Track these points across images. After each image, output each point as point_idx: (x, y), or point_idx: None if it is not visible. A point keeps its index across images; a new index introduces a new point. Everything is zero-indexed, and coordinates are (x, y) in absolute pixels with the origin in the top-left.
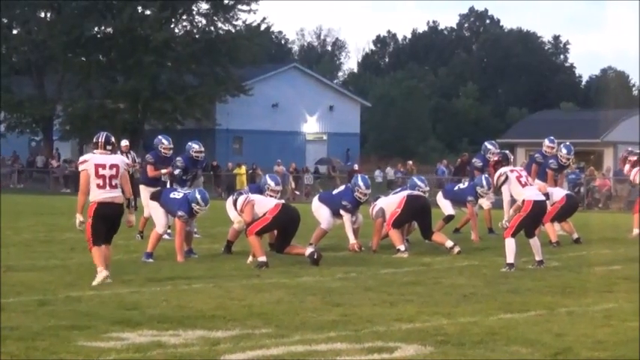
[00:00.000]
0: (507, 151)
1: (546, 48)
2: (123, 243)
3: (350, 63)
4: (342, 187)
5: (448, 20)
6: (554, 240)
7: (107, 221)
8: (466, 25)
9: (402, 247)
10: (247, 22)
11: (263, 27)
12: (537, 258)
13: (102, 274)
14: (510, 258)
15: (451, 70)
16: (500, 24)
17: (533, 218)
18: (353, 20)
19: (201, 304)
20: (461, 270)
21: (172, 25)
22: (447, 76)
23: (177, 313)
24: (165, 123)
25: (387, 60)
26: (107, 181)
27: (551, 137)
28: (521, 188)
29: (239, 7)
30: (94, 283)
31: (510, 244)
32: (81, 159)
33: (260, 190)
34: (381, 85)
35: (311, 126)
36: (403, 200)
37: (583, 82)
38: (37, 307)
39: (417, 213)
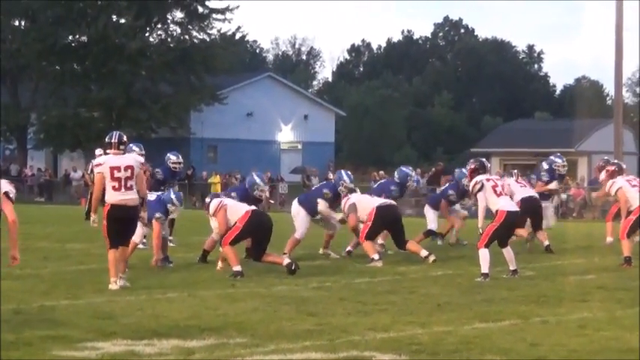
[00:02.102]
0: (484, 160)
1: (521, 57)
2: (97, 252)
3: (325, 72)
4: (323, 182)
5: (423, 29)
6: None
7: (121, 223)
8: (441, 34)
9: (375, 257)
10: (222, 31)
11: (238, 36)
12: (511, 267)
13: (112, 286)
14: (485, 268)
15: (426, 79)
16: (475, 33)
17: (506, 228)
18: (327, 29)
19: (175, 313)
20: (435, 279)
21: (147, 34)
22: (422, 85)
23: (151, 323)
24: (139, 132)
25: (361, 69)
26: (122, 182)
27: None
28: (496, 198)
29: (214, 16)
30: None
31: (484, 254)
32: (96, 162)
33: (246, 192)
34: (355, 94)
35: (285, 135)
36: (373, 212)
37: (557, 92)
38: (12, 317)
39: (388, 223)
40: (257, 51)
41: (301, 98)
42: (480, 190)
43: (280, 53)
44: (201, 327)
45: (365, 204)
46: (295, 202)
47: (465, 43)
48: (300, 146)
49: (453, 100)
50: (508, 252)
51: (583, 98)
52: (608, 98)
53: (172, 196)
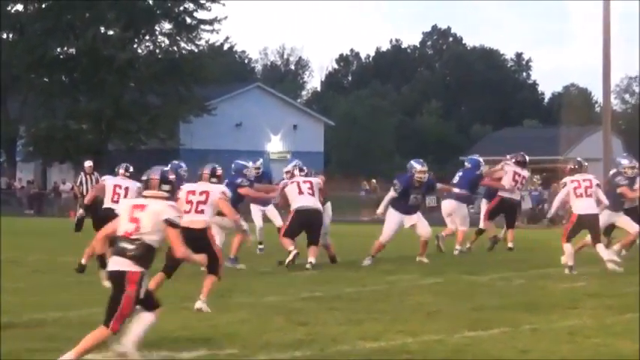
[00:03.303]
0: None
1: (509, 65)
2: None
3: (313, 82)
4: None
5: (411, 38)
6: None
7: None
8: (429, 43)
9: (291, 248)
10: (210, 42)
11: (226, 46)
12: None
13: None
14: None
15: (414, 88)
16: (463, 42)
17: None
18: (316, 39)
19: (166, 324)
20: (426, 288)
21: (135, 46)
22: (411, 94)
23: (147, 335)
24: (128, 143)
25: (350, 79)
26: (194, 206)
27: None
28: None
29: (202, 26)
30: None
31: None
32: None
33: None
34: (344, 103)
35: (275, 145)
36: (292, 214)
37: (546, 99)
38: (2, 330)
39: (304, 226)
40: (245, 61)
41: (290, 108)
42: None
43: (269, 63)
44: (192, 338)
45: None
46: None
47: (453, 52)
48: (289, 156)
49: (442, 109)
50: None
51: (571, 106)
52: (596, 105)
53: None
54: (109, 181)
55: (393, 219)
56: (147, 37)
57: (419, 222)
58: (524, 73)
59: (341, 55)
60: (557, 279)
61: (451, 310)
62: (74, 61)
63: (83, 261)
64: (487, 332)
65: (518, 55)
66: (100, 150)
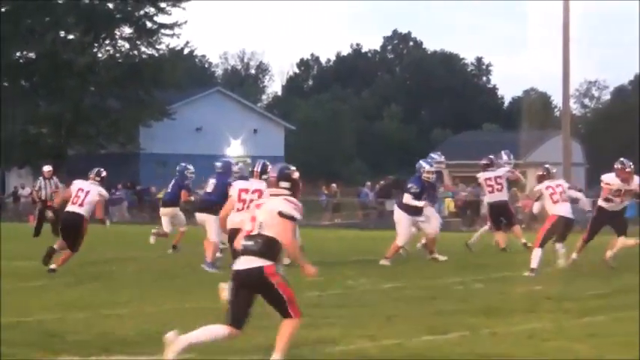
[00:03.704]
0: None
1: (469, 70)
2: (45, 269)
3: (274, 86)
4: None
5: (372, 43)
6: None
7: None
8: (390, 47)
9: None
10: (171, 46)
11: (186, 51)
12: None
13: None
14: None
15: (375, 92)
16: (424, 46)
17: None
18: (277, 43)
19: (124, 329)
20: (385, 292)
21: (95, 50)
22: (371, 98)
23: (100, 339)
24: (88, 148)
25: (310, 83)
26: (247, 204)
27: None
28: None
29: (162, 31)
30: None
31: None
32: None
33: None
34: (305, 107)
35: (235, 149)
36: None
37: (506, 104)
38: None
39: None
40: (206, 66)
41: (250, 113)
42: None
43: (229, 68)
44: (150, 343)
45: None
46: (396, 208)
47: (413, 56)
48: (249, 160)
49: (403, 113)
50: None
51: (531, 110)
52: (556, 110)
53: None
54: (75, 184)
55: (406, 222)
56: (107, 42)
57: (429, 219)
58: (484, 78)
59: (301, 60)
60: (516, 283)
61: (410, 315)
62: (34, 65)
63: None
64: (446, 336)
65: (478, 60)
66: (59, 154)
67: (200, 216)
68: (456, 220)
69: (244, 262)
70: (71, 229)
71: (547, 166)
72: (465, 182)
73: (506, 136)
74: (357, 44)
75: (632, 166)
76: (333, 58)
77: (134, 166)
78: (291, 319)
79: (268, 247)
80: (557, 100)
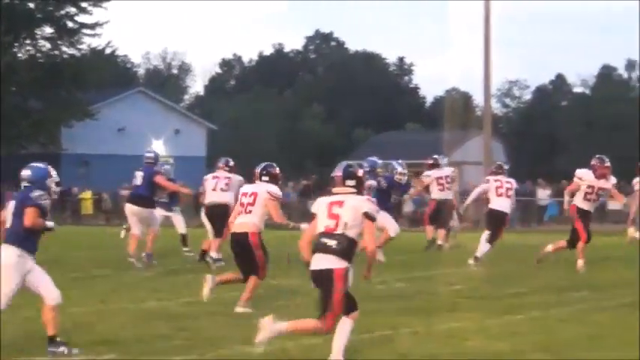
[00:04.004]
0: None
1: (391, 69)
2: None
3: (196, 86)
4: None
5: (294, 43)
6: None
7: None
8: (312, 47)
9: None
10: (92, 46)
11: (108, 51)
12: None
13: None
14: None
15: (297, 92)
16: (346, 46)
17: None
18: (199, 43)
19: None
20: (308, 292)
21: (16, 50)
22: (293, 98)
23: (21, 341)
24: (9, 148)
25: (233, 83)
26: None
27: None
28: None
29: (83, 31)
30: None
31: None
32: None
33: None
34: (227, 107)
35: (157, 149)
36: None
37: (427, 103)
38: None
39: (210, 219)
40: (128, 66)
41: (172, 113)
42: None
43: (151, 68)
44: (70, 344)
45: None
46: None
47: (335, 56)
48: (171, 160)
49: (324, 113)
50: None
51: (453, 110)
52: (477, 109)
53: None
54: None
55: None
56: (27, 41)
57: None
58: (406, 78)
59: (223, 60)
60: (437, 282)
61: None
62: None
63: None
64: (367, 336)
65: (400, 60)
66: None
67: (131, 208)
68: None
69: (320, 261)
70: None
71: (499, 162)
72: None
73: (429, 136)
74: (279, 44)
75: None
76: (255, 58)
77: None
78: (321, 325)
79: (349, 249)
80: (478, 99)
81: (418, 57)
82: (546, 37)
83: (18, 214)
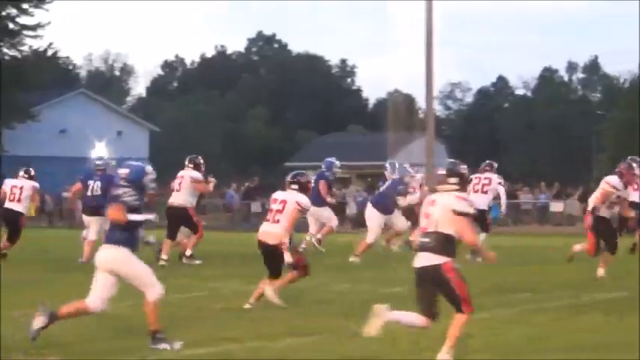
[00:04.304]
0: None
1: (333, 71)
2: None
3: (138, 88)
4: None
5: (236, 44)
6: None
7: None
8: (254, 49)
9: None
10: (34, 48)
11: (50, 52)
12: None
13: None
14: None
15: (240, 94)
16: (288, 48)
17: None
18: (141, 45)
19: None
20: (249, 294)
21: None
22: (236, 100)
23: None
24: None
25: (175, 85)
26: (272, 214)
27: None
28: None
29: (25, 32)
30: None
31: None
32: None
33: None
34: (169, 109)
35: (99, 151)
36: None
37: (370, 105)
38: None
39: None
40: (70, 67)
41: (114, 114)
42: None
43: (93, 69)
44: (15, 348)
45: None
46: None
47: (278, 58)
48: (114, 162)
49: (267, 115)
50: None
51: (395, 111)
52: (420, 111)
53: None
54: (6, 183)
55: (377, 220)
56: None
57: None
58: (349, 79)
59: (165, 62)
60: (380, 283)
61: (275, 316)
62: None
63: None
64: (310, 338)
65: (343, 62)
66: None
67: (86, 218)
68: None
69: (422, 260)
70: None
71: (488, 161)
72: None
73: (371, 138)
74: (222, 46)
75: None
76: (197, 59)
77: None
78: (462, 315)
79: (445, 244)
80: (421, 101)
81: (360, 59)
82: (488, 39)
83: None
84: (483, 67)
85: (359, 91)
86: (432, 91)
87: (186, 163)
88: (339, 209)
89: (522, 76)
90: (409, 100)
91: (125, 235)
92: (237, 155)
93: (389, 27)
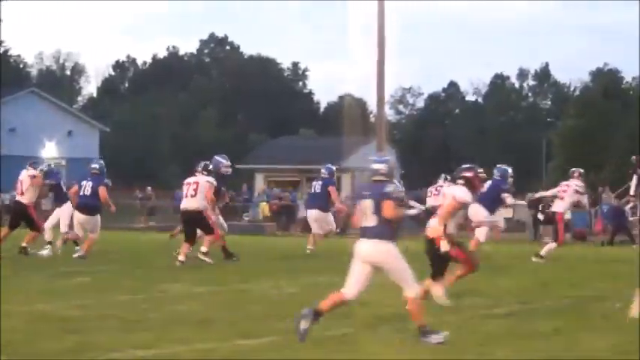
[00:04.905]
0: None
1: (286, 74)
2: None
3: (89, 88)
4: None
5: (188, 46)
6: None
7: None
8: (206, 50)
9: None
10: None
11: (0, 50)
12: None
13: None
14: None
15: (192, 95)
16: (240, 50)
17: None
18: (92, 44)
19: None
20: (199, 296)
21: None
22: (188, 101)
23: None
24: None
25: (127, 85)
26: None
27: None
28: None
29: None
30: None
31: None
32: None
33: None
34: (120, 110)
35: (49, 151)
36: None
37: (322, 109)
38: None
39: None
40: (20, 66)
41: (65, 114)
42: None
43: (44, 68)
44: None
45: None
46: None
47: (230, 60)
48: (64, 162)
49: (219, 117)
50: None
51: (347, 115)
52: (371, 115)
53: None
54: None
55: None
56: None
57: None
58: (301, 83)
59: (117, 62)
60: (330, 287)
61: (223, 319)
62: None
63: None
64: (258, 340)
65: (295, 65)
66: None
67: (80, 217)
68: (271, 224)
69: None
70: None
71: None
72: (281, 186)
73: (322, 141)
74: (174, 47)
75: None
76: (149, 60)
77: None
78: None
79: None
80: (372, 106)
81: (312, 62)
82: (440, 44)
83: (377, 209)
84: (435, 72)
85: (311, 94)
86: (383, 95)
87: (199, 169)
88: (289, 212)
89: (474, 82)
90: (360, 104)
91: (390, 229)
92: (188, 156)
93: (341, 31)
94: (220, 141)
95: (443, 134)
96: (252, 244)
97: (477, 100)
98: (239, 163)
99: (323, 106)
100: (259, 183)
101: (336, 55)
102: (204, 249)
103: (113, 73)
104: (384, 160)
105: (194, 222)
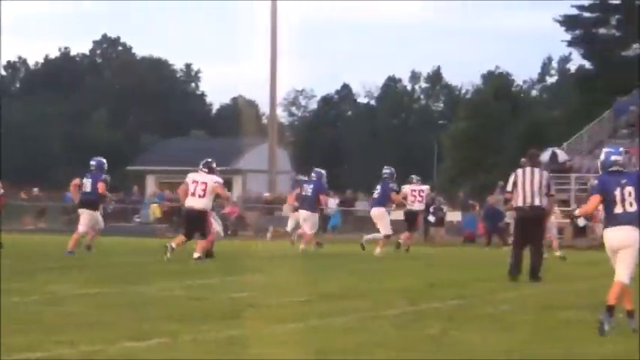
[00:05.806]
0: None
1: (178, 76)
2: None
3: None
4: None
5: (81, 47)
6: None
7: None
8: (98, 51)
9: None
10: None
11: None
12: None
13: None
14: None
15: (83, 96)
16: (133, 51)
17: None
18: None
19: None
20: (87, 297)
21: None
22: (79, 102)
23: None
24: None
25: (18, 86)
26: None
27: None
28: None
29: None
30: None
31: None
32: None
33: None
34: (12, 110)
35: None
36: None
37: (214, 111)
38: None
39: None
40: None
41: None
42: None
43: None
44: None
45: None
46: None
47: (122, 61)
48: None
49: (110, 118)
50: None
51: (239, 117)
52: (264, 117)
53: None
54: None
55: (386, 216)
56: None
57: None
58: (193, 84)
59: (8, 62)
60: (220, 289)
61: (112, 321)
62: None
63: None
64: (146, 343)
65: (188, 66)
66: None
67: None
68: (162, 226)
69: None
70: None
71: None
72: (171, 188)
73: (214, 143)
74: (66, 47)
75: None
76: (41, 61)
77: None
78: None
79: None
80: (264, 107)
81: (205, 64)
82: (333, 47)
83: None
84: (328, 74)
85: (203, 95)
86: (275, 97)
87: (201, 167)
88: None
89: (366, 85)
90: (253, 105)
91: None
92: (79, 157)
93: (234, 32)
94: (112, 142)
95: (335, 136)
96: (142, 246)
97: (369, 102)
98: (130, 164)
99: (215, 107)
100: (150, 185)
101: (229, 57)
102: (196, 255)
103: (4, 74)
104: (620, 151)
105: (197, 221)
